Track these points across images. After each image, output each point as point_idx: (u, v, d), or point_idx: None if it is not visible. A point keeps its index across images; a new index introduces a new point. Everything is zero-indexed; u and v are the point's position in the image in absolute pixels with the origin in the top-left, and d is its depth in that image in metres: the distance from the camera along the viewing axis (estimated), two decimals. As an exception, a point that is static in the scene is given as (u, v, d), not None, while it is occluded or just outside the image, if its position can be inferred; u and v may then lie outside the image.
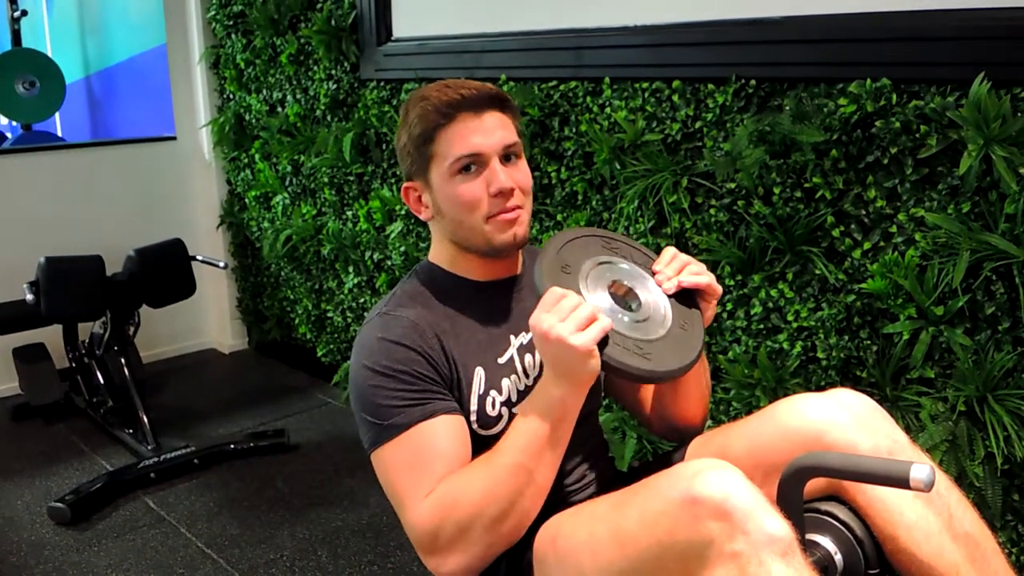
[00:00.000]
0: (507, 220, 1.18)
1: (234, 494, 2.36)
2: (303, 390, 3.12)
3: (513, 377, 1.21)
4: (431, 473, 1.09)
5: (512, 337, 1.24)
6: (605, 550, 0.98)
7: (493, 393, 1.19)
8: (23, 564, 2.04)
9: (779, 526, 0.89)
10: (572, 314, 1.01)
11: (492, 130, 1.18)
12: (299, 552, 2.08)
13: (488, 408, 1.18)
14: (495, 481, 1.05)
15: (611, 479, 1.32)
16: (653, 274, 1.21)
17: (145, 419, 2.64)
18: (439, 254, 1.27)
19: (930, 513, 1.05)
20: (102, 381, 2.82)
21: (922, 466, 0.87)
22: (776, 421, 1.16)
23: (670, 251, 1.22)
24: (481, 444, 1.16)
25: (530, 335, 1.19)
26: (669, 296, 1.18)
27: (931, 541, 1.04)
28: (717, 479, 0.91)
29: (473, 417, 1.17)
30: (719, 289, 1.20)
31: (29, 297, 2.60)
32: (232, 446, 2.57)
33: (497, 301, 1.25)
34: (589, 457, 1.29)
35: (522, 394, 1.21)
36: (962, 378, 1.50)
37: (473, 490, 1.06)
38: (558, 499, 1.21)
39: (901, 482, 0.87)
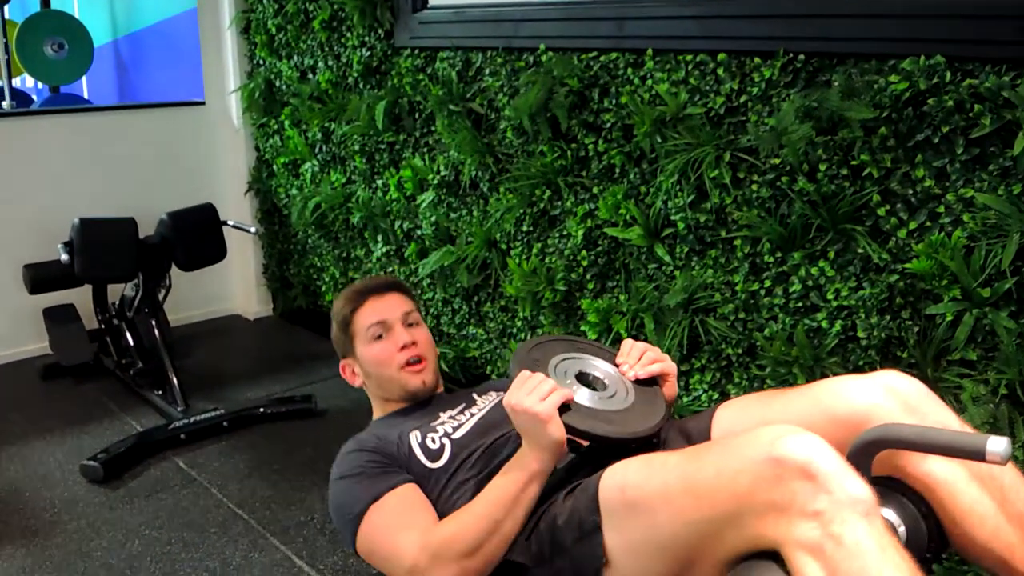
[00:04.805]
0: (416, 370, 1.61)
1: (264, 457, 2.39)
2: (329, 358, 3.09)
3: (449, 423, 1.50)
4: (410, 526, 1.32)
5: (441, 413, 1.54)
6: (679, 500, 1.03)
7: (431, 435, 1.48)
8: (57, 520, 2.08)
9: (862, 489, 0.92)
10: (536, 388, 1.22)
11: (393, 304, 1.65)
12: (329, 516, 2.08)
13: (429, 443, 1.46)
14: (464, 527, 1.26)
15: None
16: (617, 366, 1.40)
17: (175, 381, 2.66)
18: (378, 413, 1.69)
19: (985, 496, 1.06)
20: (131, 343, 2.84)
21: (999, 438, 0.87)
22: (821, 406, 1.17)
23: (628, 343, 1.43)
24: (431, 477, 1.41)
25: (458, 408, 1.55)
26: (633, 382, 1.38)
27: (986, 523, 1.05)
28: (801, 442, 0.94)
29: (419, 454, 1.44)
30: (674, 368, 1.41)
31: (64, 257, 2.62)
32: (261, 410, 2.60)
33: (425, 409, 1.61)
34: None
35: (460, 425, 1.48)
36: (1005, 361, 1.49)
37: (465, 529, 1.26)
38: None
39: (977, 455, 0.87)
